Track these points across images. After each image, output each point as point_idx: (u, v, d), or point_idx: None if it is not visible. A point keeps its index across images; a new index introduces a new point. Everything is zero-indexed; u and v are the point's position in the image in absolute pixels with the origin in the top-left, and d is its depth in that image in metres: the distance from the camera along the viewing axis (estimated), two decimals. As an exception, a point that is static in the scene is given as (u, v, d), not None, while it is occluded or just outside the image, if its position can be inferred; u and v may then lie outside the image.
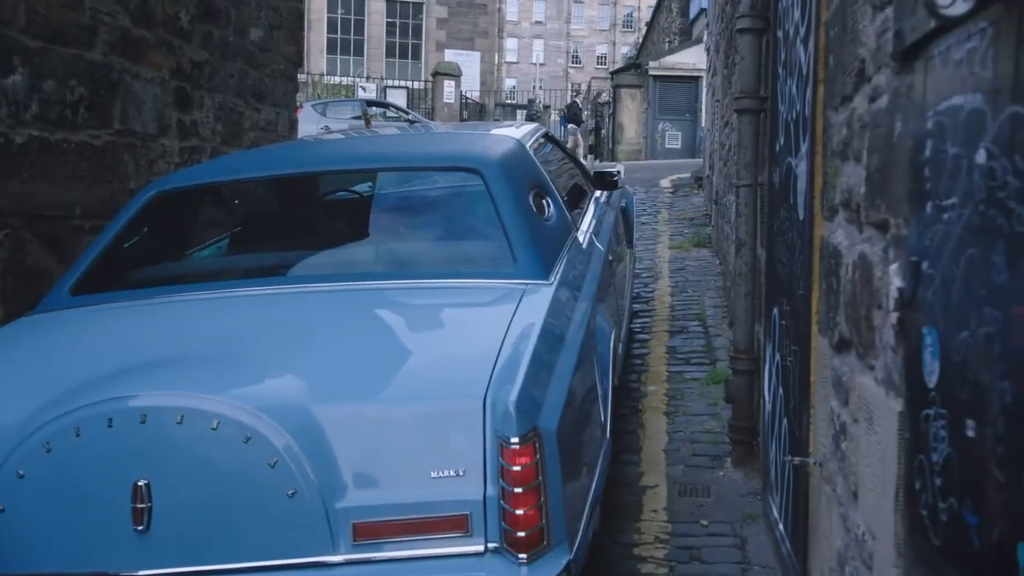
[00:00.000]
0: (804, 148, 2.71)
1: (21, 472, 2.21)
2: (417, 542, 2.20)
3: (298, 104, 8.80)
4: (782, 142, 3.23)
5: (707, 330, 6.25)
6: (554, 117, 30.80)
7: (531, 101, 25.22)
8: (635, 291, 7.00)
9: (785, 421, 3.06)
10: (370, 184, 4.04)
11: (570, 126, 22.54)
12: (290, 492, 2.17)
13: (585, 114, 22.32)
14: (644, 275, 7.86)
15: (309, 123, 17.31)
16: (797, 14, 2.93)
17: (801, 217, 2.76)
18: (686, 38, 25.46)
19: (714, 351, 5.77)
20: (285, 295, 3.05)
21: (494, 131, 4.53)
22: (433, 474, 2.21)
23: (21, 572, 2.22)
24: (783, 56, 3.27)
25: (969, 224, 1.28)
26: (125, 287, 3.30)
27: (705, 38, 13.30)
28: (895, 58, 1.66)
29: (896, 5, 1.67)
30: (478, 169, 3.38)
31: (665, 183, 13.65)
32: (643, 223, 10.05)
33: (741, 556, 3.42)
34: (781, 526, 3.14)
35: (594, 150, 22.09)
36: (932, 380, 1.45)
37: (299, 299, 3.01)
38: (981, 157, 1.22)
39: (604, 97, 22.49)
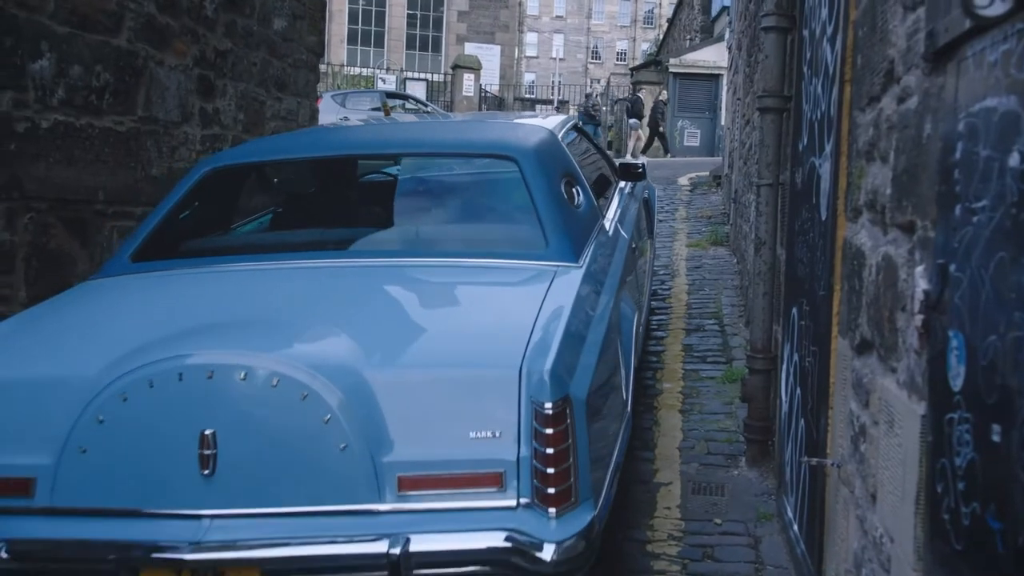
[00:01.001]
0: (828, 148, 2.70)
1: (101, 418, 2.40)
2: (456, 495, 2.38)
3: (318, 94, 8.79)
4: (805, 142, 3.21)
5: (723, 329, 6.24)
6: (572, 111, 30.75)
7: (588, 97, 25.07)
8: (652, 288, 6.99)
9: (802, 422, 3.05)
10: (412, 168, 4.32)
11: (632, 121, 22.52)
12: (342, 446, 2.35)
13: (647, 110, 22.26)
14: (661, 272, 7.84)
15: (328, 113, 17.31)
16: (824, 13, 2.91)
17: (824, 217, 2.74)
18: (707, 35, 25.34)
19: (730, 350, 5.75)
20: (333, 268, 3.26)
21: (528, 121, 4.71)
22: (472, 435, 2.38)
23: (101, 506, 2.43)
24: (808, 55, 3.25)
25: (1000, 227, 1.27)
26: (180, 256, 3.50)
27: (727, 36, 13.24)
28: (926, 59, 1.65)
29: (928, 5, 1.66)
30: (514, 157, 3.56)
31: (683, 181, 13.61)
32: (661, 220, 10.02)
33: (755, 555, 3.42)
34: (796, 527, 3.13)
35: (663, 145, 22.19)
36: (957, 384, 1.44)
37: (346, 272, 3.24)
38: (1015, 160, 1.21)
39: (665, 95, 22.30)
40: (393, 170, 4.35)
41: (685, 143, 22.94)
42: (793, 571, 3.17)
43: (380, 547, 2.31)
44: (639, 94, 22.85)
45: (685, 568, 3.34)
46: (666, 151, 22.15)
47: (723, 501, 3.85)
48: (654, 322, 6.41)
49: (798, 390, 3.19)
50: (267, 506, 2.40)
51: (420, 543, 2.32)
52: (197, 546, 2.33)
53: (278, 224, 4.12)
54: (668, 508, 3.80)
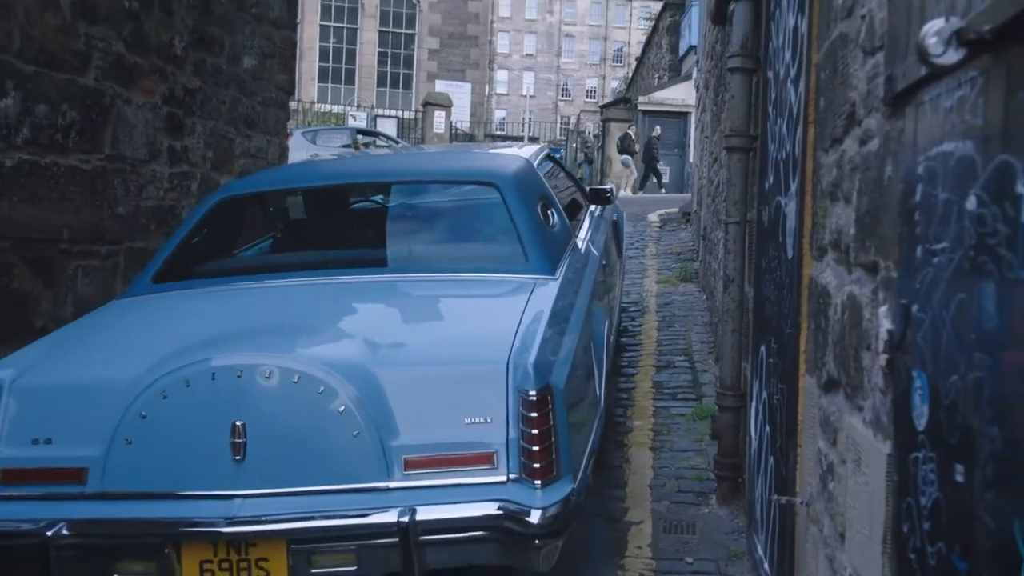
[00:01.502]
0: (794, 188, 2.73)
1: (143, 414, 2.75)
2: (454, 472, 2.74)
3: (288, 131, 8.77)
4: (771, 181, 3.25)
5: (693, 365, 6.25)
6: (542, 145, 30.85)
7: (580, 134, 25.15)
8: (623, 325, 7.01)
9: (771, 459, 3.06)
10: (404, 194, 4.71)
11: (623, 157, 22.61)
12: (355, 433, 2.71)
13: (638, 146, 22.39)
14: (631, 309, 7.86)
15: (299, 150, 17.28)
16: (788, 55, 2.96)
17: (790, 256, 2.77)
18: (675, 74, 25.72)
19: (700, 387, 5.76)
20: (339, 284, 3.63)
21: (506, 150, 5.27)
22: (467, 420, 2.75)
23: (145, 490, 2.77)
24: (773, 96, 3.30)
25: (959, 269, 1.29)
26: (197, 276, 3.86)
27: (694, 75, 13.42)
28: (886, 103, 1.68)
29: (887, 51, 1.69)
30: (496, 183, 3.97)
31: (653, 217, 13.70)
32: (631, 257, 10.06)
33: (726, 594, 3.40)
34: (766, 565, 3.13)
35: (657, 181, 22.24)
36: (921, 423, 1.45)
37: (351, 287, 3.61)
38: (971, 203, 1.23)
39: (658, 131, 22.35)
40: (388, 196, 4.76)
41: (622, 178, 23.17)
42: (764, 610, 3.16)
43: (390, 517, 2.65)
44: (628, 131, 22.88)
45: (657, 608, 3.32)
46: (640, 187, 22.24)
47: (694, 539, 3.84)
48: (624, 359, 6.41)
49: (767, 427, 3.20)
50: (291, 486, 2.73)
51: (425, 513, 2.66)
52: (231, 521, 2.66)
53: (284, 246, 4.54)
54: (639, 547, 3.78)
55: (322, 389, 2.72)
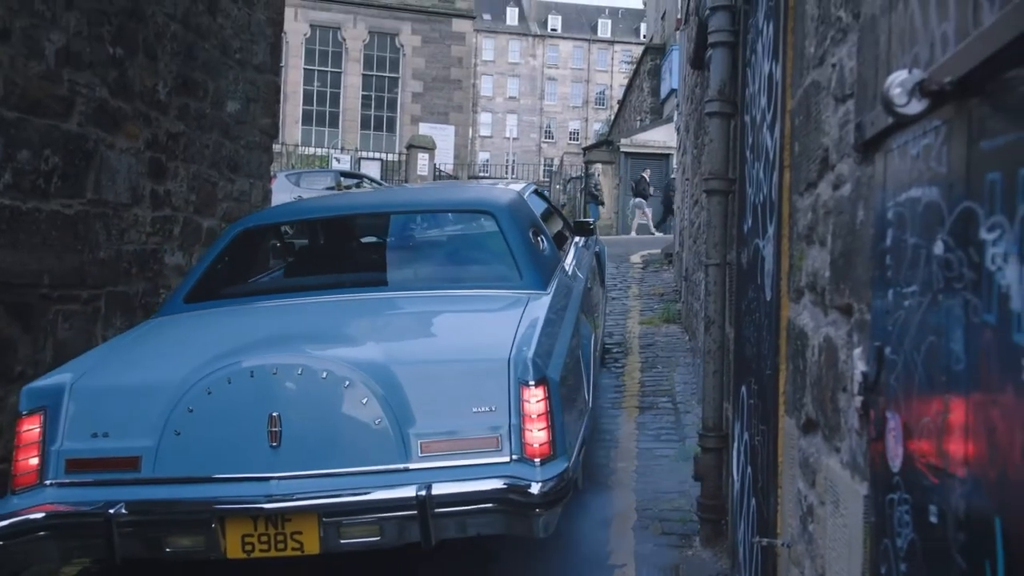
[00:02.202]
0: (771, 230, 2.76)
1: (190, 408, 3.15)
2: (464, 454, 3.13)
3: (272, 174, 8.79)
4: (750, 223, 3.29)
5: (676, 406, 6.26)
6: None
7: (590, 176, 25.12)
8: (605, 365, 7.02)
9: (753, 501, 3.06)
10: (410, 222, 5.36)
11: (636, 200, 22.61)
12: (377, 421, 3.11)
13: (652, 189, 22.43)
14: (614, 351, 7.87)
15: (283, 193, 17.23)
16: (763, 101, 3.01)
17: (768, 298, 2.79)
18: (657, 117, 25.99)
19: (683, 427, 5.76)
20: (352, 300, 4.12)
21: (499, 185, 6.09)
22: (474, 409, 3.16)
23: (193, 475, 3.14)
24: (750, 140, 3.34)
25: (929, 312, 1.31)
26: (224, 297, 4.31)
27: (675, 118, 13.58)
28: (856, 149, 1.71)
29: (856, 99, 1.73)
30: (492, 212, 4.51)
31: (636, 258, 13.76)
32: (614, 298, 10.09)
33: (710, 638, 3.37)
34: (750, 608, 3.11)
35: (664, 221, 22.14)
36: (896, 464, 1.46)
37: (364, 302, 4.11)
38: (938, 248, 1.26)
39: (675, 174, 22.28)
40: (398, 224, 5.30)
41: (638, 220, 23.29)
42: (749, 654, 3.13)
43: (409, 492, 3.01)
44: (643, 175, 22.78)
45: (641, 653, 3.29)
46: (657, 227, 22.09)
47: (678, 582, 3.81)
48: (607, 399, 6.41)
49: (749, 469, 3.20)
50: (321, 468, 3.10)
51: (440, 489, 3.02)
52: (270, 498, 3.03)
53: (303, 270, 5.04)
54: (623, 591, 3.75)
55: (347, 383, 3.12)
